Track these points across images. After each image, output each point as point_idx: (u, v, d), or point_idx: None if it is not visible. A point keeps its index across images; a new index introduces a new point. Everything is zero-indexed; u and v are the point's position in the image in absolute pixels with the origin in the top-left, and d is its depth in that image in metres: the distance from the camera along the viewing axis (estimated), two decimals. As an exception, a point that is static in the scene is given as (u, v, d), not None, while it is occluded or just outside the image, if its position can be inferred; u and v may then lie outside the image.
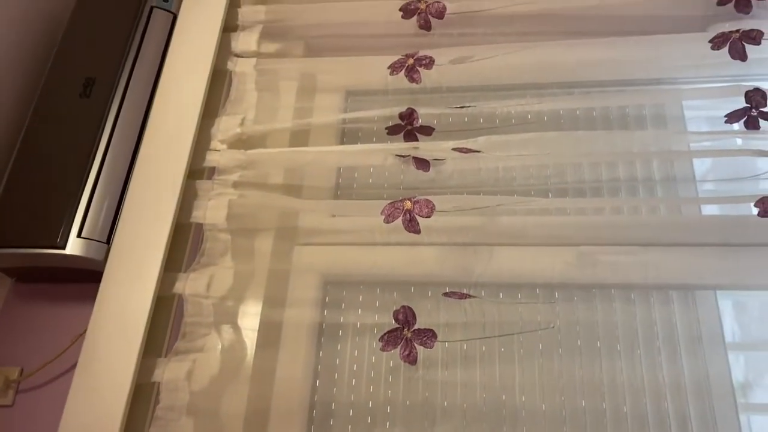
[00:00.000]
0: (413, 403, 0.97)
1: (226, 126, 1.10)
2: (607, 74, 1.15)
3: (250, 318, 0.99)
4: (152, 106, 1.09)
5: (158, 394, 0.91)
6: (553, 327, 0.97)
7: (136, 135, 1.08)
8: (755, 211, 0.91)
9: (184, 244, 1.03)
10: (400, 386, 0.99)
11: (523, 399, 0.96)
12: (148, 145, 1.06)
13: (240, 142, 1.10)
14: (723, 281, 0.98)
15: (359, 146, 1.10)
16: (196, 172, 1.06)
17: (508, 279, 1.01)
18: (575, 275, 0.99)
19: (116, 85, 1.10)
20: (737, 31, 1.03)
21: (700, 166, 1.09)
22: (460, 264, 1.00)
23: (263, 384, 0.97)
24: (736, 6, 1.07)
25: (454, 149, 1.03)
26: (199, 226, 1.03)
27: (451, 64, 1.12)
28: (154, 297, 0.93)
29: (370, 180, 1.15)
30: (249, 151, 1.06)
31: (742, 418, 0.92)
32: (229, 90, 1.15)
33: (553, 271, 0.99)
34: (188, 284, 0.97)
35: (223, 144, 1.08)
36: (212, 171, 1.07)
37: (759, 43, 1.02)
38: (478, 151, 1.03)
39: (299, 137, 1.16)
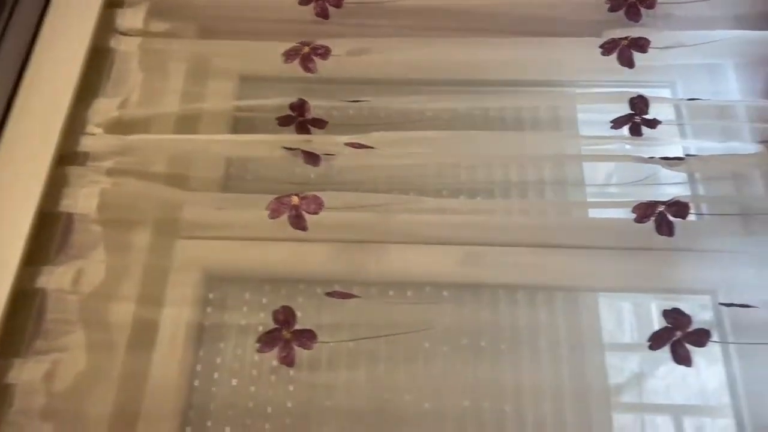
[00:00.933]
0: (294, 405, 0.95)
1: (103, 108, 1.02)
2: (506, 74, 1.15)
3: (121, 316, 0.93)
4: (21, 85, 1.00)
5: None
6: (436, 328, 0.96)
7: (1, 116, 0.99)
8: (633, 216, 0.93)
9: (52, 235, 0.95)
10: (281, 388, 0.96)
11: (407, 399, 0.95)
12: (13, 128, 0.97)
13: (120, 127, 1.03)
14: (604, 284, 1.00)
15: (245, 136, 1.05)
16: (69, 157, 0.99)
17: (397, 278, 1.00)
18: (463, 275, 0.99)
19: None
20: (626, 38, 1.05)
21: (593, 169, 1.11)
22: (348, 262, 0.98)
23: (134, 385, 0.92)
24: (626, 14, 1.09)
25: (347, 144, 1.00)
26: (71, 217, 0.96)
27: (348, 55, 1.09)
28: (11, 292, 0.85)
29: (264, 173, 1.10)
30: (127, 137, 0.99)
31: (615, 417, 0.95)
32: (110, 70, 1.07)
33: (441, 271, 0.99)
34: (52, 279, 0.89)
35: (99, 128, 1.01)
36: (88, 157, 1.00)
37: (646, 51, 1.04)
38: (372, 147, 1.01)
39: (188, 124, 1.10)
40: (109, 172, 0.97)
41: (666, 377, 0.95)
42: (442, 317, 0.98)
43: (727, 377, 0.93)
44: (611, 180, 1.10)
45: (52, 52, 1.03)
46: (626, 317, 1.01)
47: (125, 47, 1.09)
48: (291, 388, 0.96)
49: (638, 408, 0.97)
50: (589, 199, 1.08)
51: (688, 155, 0.99)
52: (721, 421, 0.94)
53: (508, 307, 1.00)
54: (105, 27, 1.09)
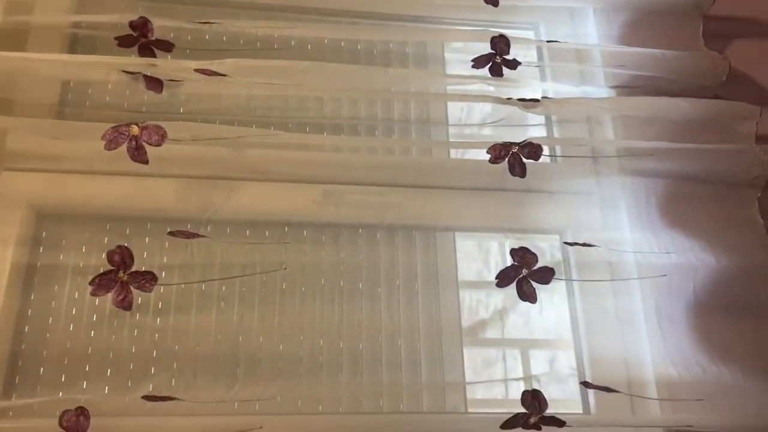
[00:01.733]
0: (138, 350, 0.88)
1: None
2: (373, 6, 1.10)
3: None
4: None
5: None
6: (293, 268, 0.93)
7: None
8: (488, 157, 0.93)
9: None
10: (124, 332, 0.89)
11: (261, 341, 0.92)
12: None
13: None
14: (461, 223, 1.00)
15: (79, 57, 0.94)
16: None
17: (250, 216, 0.95)
18: (320, 214, 0.95)
19: None
20: (492, -25, 1.03)
21: (456, 108, 1.10)
22: (194, 198, 0.91)
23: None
24: (492, -50, 1.07)
25: (197, 70, 0.92)
26: None
27: (200, -29, 1.00)
28: None
29: (104, 100, 1.00)
30: (-67, 52, 0.86)
31: (466, 352, 0.97)
32: None
33: (297, 209, 0.95)
34: None
35: None
36: None
37: (510, -10, 1.03)
38: (224, 75, 0.94)
39: (14, 40, 0.97)
40: None
41: (515, 313, 0.98)
42: (299, 257, 0.95)
43: (569, 312, 0.96)
44: (474, 120, 1.10)
45: None
46: (481, 256, 1.03)
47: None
48: (135, 332, 0.90)
49: (488, 343, 1.00)
50: (451, 140, 1.06)
51: (544, 98, 1.00)
52: (562, 353, 0.99)
53: (367, 247, 0.99)
54: None
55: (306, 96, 1.03)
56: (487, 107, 1.07)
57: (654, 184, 0.96)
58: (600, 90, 1.04)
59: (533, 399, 0.82)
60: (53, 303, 0.90)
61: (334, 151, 1.00)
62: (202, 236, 0.88)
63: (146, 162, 0.87)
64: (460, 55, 1.11)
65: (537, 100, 0.97)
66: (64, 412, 0.76)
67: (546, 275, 0.90)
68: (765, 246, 0.94)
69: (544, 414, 0.81)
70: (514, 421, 0.81)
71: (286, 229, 0.98)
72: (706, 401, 0.85)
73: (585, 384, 0.89)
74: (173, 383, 0.86)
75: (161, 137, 0.87)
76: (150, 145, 0.87)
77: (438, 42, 1.11)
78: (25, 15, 0.98)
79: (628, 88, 1.04)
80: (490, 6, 1.04)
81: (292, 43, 1.07)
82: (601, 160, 0.99)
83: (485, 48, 1.02)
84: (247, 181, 0.94)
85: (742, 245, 0.94)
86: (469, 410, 0.91)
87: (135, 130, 0.87)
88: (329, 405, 0.89)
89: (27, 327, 0.88)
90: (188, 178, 0.91)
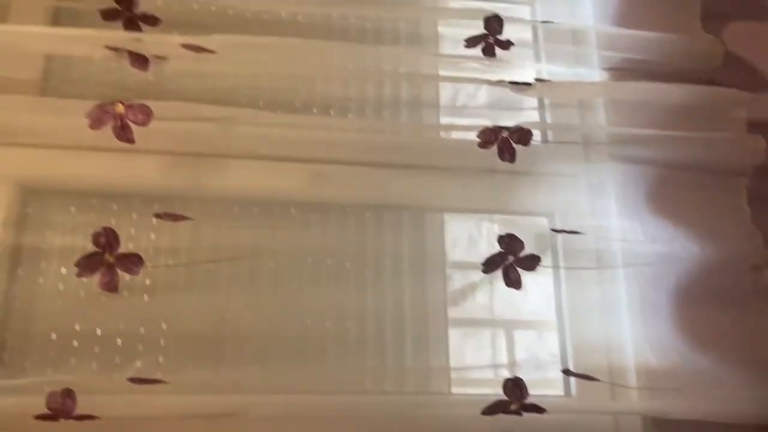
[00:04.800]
0: (125, 327, 0.89)
1: None
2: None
3: None
4: None
5: None
6: (279, 249, 0.93)
7: None
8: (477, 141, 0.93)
9: None
10: (111, 310, 0.89)
11: (247, 322, 0.91)
12: None
13: None
14: (449, 205, 1.00)
15: (61, 30, 0.92)
16: None
17: (237, 195, 0.95)
18: (308, 193, 0.95)
19: None
20: (488, -49, 1.01)
21: (448, 88, 1.08)
22: (182, 177, 0.91)
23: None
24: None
25: (183, 46, 0.90)
26: None
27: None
28: None
29: (89, 76, 0.97)
30: None
31: (451, 333, 0.98)
32: None
33: (285, 189, 0.94)
34: None
35: None
36: None
37: (506, -34, 1.01)
38: (213, 51, 0.92)
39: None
40: None
41: (501, 296, 0.99)
42: (287, 237, 0.95)
43: (554, 298, 0.97)
44: (465, 101, 1.08)
45: None
46: (469, 238, 1.03)
47: None
48: (123, 310, 0.90)
49: (474, 323, 1.01)
50: (441, 121, 1.05)
51: (537, 80, 0.98)
52: (547, 334, 1.00)
53: (355, 227, 0.99)
54: None
55: (296, 74, 1.02)
56: (479, 88, 1.06)
57: (643, 171, 0.96)
58: (593, 72, 1.03)
59: (514, 386, 0.83)
60: (40, 282, 0.90)
61: (324, 131, 0.99)
62: (189, 218, 0.88)
63: (132, 141, 0.86)
64: (454, 31, 1.10)
65: (529, 84, 0.96)
66: (51, 393, 0.76)
67: (532, 262, 0.90)
68: (750, 236, 0.95)
69: (525, 402, 0.83)
70: (495, 407, 0.82)
71: (274, 208, 0.98)
72: (684, 390, 0.86)
73: (566, 372, 0.90)
74: (160, 362, 0.87)
75: (147, 116, 0.86)
76: (136, 124, 0.86)
77: (431, 20, 1.09)
78: (5, -16, 0.95)
79: (622, 70, 1.03)
80: (486, -17, 1.01)
81: (282, 15, 1.05)
82: (592, 146, 0.99)
83: (479, 26, 1.01)
84: (235, 159, 0.93)
85: (728, 235, 0.94)
86: (453, 391, 0.93)
87: (120, 108, 0.86)
88: (314, 386, 0.89)
89: (14, 307, 0.88)
90: (175, 155, 0.90)
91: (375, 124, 1.05)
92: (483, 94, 1.07)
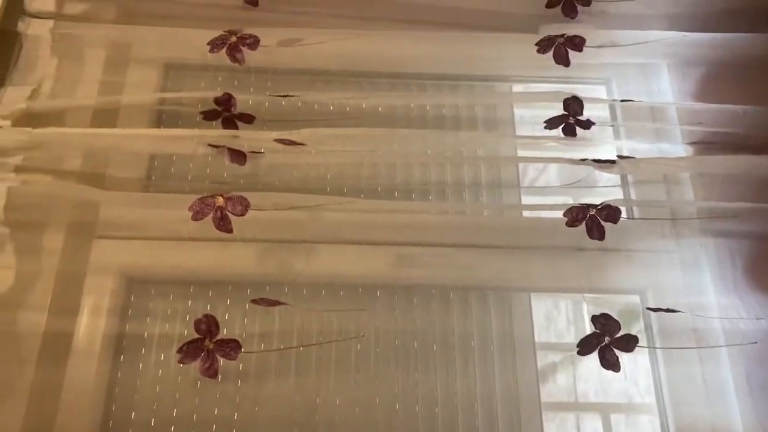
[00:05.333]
0: (221, 413, 0.91)
1: (10, 98, 0.95)
2: (441, 68, 1.12)
3: (32, 326, 0.87)
4: None
5: None
6: (363, 336, 0.94)
7: None
8: (564, 219, 0.93)
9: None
10: (207, 397, 0.92)
11: (338, 406, 0.92)
12: None
13: (30, 119, 0.96)
14: (536, 284, 0.99)
15: (167, 131, 0.99)
16: (-29, 152, 0.91)
17: (328, 279, 0.97)
18: (396, 276, 0.96)
19: None
20: (562, 35, 1.04)
21: (528, 169, 1.10)
22: (276, 263, 0.95)
23: (46, 400, 0.86)
24: (563, 10, 1.08)
25: (277, 140, 0.96)
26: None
27: (278, 45, 1.04)
28: None
29: (189, 171, 1.04)
30: (36, 130, 0.92)
31: (545, 417, 0.95)
32: (18, 57, 0.99)
33: (372, 272, 0.97)
34: (-47, 288, 0.84)
35: (5, 120, 0.93)
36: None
37: (581, 50, 1.03)
38: (302, 144, 0.97)
39: (107, 117, 1.03)
40: (18, 169, 0.91)
41: (595, 377, 0.96)
42: (374, 319, 0.96)
43: (653, 379, 0.94)
44: (546, 181, 1.10)
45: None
46: (558, 318, 1.01)
47: (35, 31, 1.01)
48: (217, 395, 0.93)
49: (568, 407, 0.98)
50: (523, 202, 1.06)
51: (620, 157, 0.99)
52: (646, 417, 0.96)
53: (441, 308, 0.99)
54: (12, 8, 1.01)
55: (378, 162, 1.06)
56: (560, 168, 1.07)
57: (738, 245, 0.94)
58: (677, 147, 1.03)
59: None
60: (140, 366, 0.94)
61: (407, 214, 1.01)
62: (284, 304, 0.91)
63: (230, 231, 0.91)
64: (528, 113, 1.12)
65: (613, 161, 0.96)
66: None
67: (629, 343, 0.87)
68: None
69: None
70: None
71: (360, 290, 1.00)
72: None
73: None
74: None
75: (245, 207, 0.91)
76: (234, 215, 0.90)
77: (507, 104, 1.12)
78: (117, 95, 1.04)
79: (707, 144, 1.02)
80: (561, 66, 1.04)
81: (364, 106, 1.10)
82: (681, 221, 0.97)
83: (555, 106, 1.03)
84: (324, 244, 0.96)
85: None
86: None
87: (220, 200, 0.91)
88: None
89: (116, 393, 0.92)
90: (269, 243, 0.94)
91: (456, 206, 1.07)
92: (563, 173, 1.08)
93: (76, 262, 0.93)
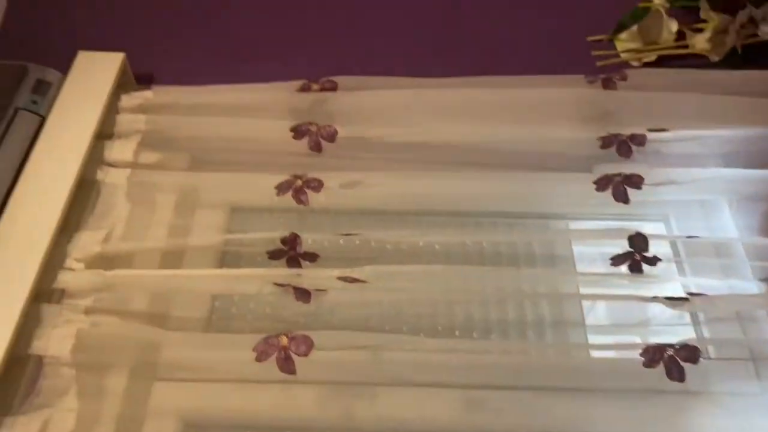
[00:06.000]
0: None
1: (85, 242, 0.98)
2: (499, 207, 1.14)
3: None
4: (2, 216, 0.97)
5: None
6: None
7: (-22, 249, 0.95)
8: (640, 360, 0.89)
9: (18, 380, 0.88)
10: None
11: None
12: (-11, 262, 0.93)
13: (101, 261, 0.98)
14: (615, 429, 0.93)
15: (234, 271, 1.01)
16: (45, 294, 0.93)
17: (392, 425, 0.93)
18: (463, 421, 0.92)
19: (-38, 190, 0.97)
20: (619, 174, 1.05)
21: (592, 306, 1.07)
22: (337, 407, 0.91)
23: None
24: (617, 150, 1.10)
25: (339, 278, 0.97)
26: (40, 360, 0.89)
27: (340, 188, 1.08)
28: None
29: (251, 309, 1.05)
30: (109, 272, 0.95)
31: None
32: (95, 202, 1.05)
33: (439, 417, 0.92)
34: (15, 431, 0.82)
35: (79, 263, 0.96)
36: (64, 294, 0.94)
37: (640, 188, 1.04)
38: (364, 281, 0.97)
39: (174, 258, 1.06)
40: (88, 311, 0.92)
41: None
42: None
43: None
44: (610, 318, 1.07)
45: (38, 184, 1.00)
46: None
47: (112, 179, 1.07)
48: None
49: None
50: (591, 341, 1.03)
51: (690, 294, 0.96)
52: None
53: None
54: (94, 158, 1.08)
55: (437, 299, 1.05)
56: (625, 305, 1.05)
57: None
58: (749, 284, 1.00)
59: None
60: None
61: (470, 354, 0.98)
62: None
63: (293, 372, 0.89)
64: (588, 249, 1.12)
65: (685, 299, 0.94)
66: None
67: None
68: None
69: None
70: None
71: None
72: None
73: None
74: None
75: (308, 347, 0.90)
76: (297, 355, 0.89)
77: (566, 240, 1.12)
78: (184, 237, 1.07)
79: (781, 279, 0.99)
80: (620, 203, 1.05)
81: (420, 244, 1.11)
82: (762, 361, 0.92)
83: (617, 242, 1.02)
84: (387, 387, 0.93)
85: None
86: None
87: (284, 340, 0.90)
88: None
89: None
90: (331, 385, 0.92)
91: (521, 346, 1.04)
92: (629, 312, 1.06)
93: (136, 406, 0.91)
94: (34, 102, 1.10)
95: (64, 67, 1.15)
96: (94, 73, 1.14)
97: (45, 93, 1.12)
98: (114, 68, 1.15)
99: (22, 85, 1.11)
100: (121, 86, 1.17)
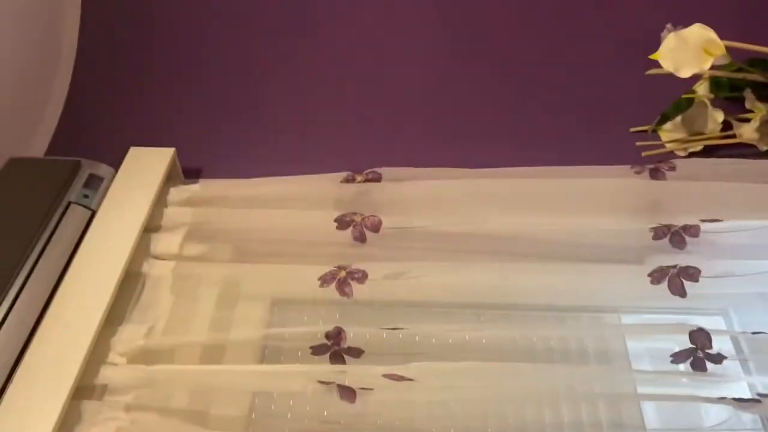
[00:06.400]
0: None
1: (129, 336, 0.98)
2: (549, 300, 1.10)
3: None
4: (48, 309, 0.97)
5: None
6: None
7: (24, 340, 0.94)
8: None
9: (56, 480, 0.85)
10: None
11: None
12: (33, 354, 0.92)
13: (144, 355, 0.97)
14: None
15: (278, 367, 0.98)
16: (87, 389, 0.92)
17: None
18: None
19: (12, 281, 0.98)
20: (674, 266, 1.02)
21: (648, 406, 1.01)
22: None
23: None
24: (671, 241, 1.07)
25: (385, 376, 0.93)
26: (78, 459, 0.87)
27: (384, 279, 1.06)
28: None
29: (291, 404, 1.01)
30: (150, 367, 0.93)
31: None
32: (140, 295, 1.05)
33: None
34: None
35: (122, 357, 0.95)
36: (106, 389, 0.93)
37: (697, 281, 1.00)
38: (411, 380, 0.93)
39: (215, 352, 1.04)
40: (128, 408, 0.90)
41: None
42: None
43: None
44: (662, 419, 1.00)
45: (85, 276, 1.01)
46: None
47: (157, 272, 1.08)
48: None
49: None
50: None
51: (760, 395, 0.90)
52: None
53: None
54: (141, 251, 1.08)
55: (488, 398, 1.00)
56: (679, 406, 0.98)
57: None
58: (823, 384, 0.93)
59: None
60: None
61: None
62: None
63: (338, 480, 0.84)
64: (643, 345, 1.06)
65: (757, 400, 0.87)
66: None
67: None
68: None
69: None
70: None
71: None
72: None
73: None
74: None
75: (354, 451, 0.85)
76: (342, 459, 0.85)
77: (619, 336, 1.07)
78: (225, 330, 1.06)
79: None
80: (677, 297, 1.00)
81: (467, 338, 1.07)
82: None
83: (672, 339, 0.97)
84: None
85: None
86: None
87: (329, 444, 0.86)
88: None
89: None
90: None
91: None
92: (685, 412, 0.99)
93: None
94: (86, 196, 1.12)
95: (117, 162, 1.18)
96: (144, 167, 1.17)
97: (97, 187, 1.15)
98: (164, 163, 1.18)
99: (75, 180, 1.14)
100: (170, 180, 1.19)
